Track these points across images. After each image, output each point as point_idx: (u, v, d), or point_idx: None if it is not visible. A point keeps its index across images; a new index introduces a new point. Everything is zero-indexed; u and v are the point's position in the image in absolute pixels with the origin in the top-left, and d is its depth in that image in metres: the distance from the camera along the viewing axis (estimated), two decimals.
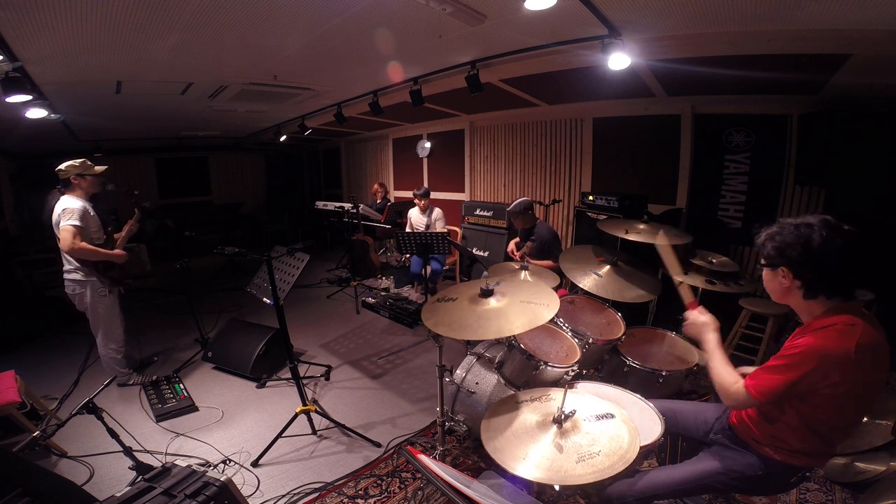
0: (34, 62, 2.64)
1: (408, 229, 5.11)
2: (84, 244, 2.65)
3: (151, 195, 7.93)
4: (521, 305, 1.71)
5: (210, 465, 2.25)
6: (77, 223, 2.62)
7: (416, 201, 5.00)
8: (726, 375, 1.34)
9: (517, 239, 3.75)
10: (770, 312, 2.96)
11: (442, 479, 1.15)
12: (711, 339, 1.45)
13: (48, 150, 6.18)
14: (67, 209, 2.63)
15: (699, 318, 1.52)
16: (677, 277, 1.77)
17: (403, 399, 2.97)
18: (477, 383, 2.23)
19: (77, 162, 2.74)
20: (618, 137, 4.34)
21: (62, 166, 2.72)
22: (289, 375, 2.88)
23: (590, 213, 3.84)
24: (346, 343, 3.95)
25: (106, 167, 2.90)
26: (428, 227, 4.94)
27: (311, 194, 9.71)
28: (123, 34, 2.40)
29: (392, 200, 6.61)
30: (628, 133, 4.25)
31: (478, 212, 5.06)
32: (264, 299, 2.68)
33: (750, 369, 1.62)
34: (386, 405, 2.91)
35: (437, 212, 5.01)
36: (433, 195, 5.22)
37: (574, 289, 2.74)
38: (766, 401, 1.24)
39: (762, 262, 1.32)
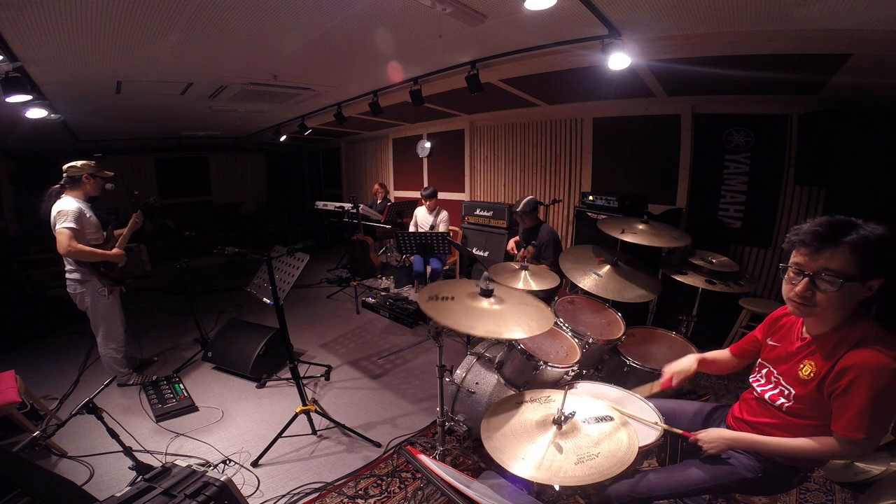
0: (34, 62, 2.64)
1: (412, 228, 5.11)
2: (80, 246, 2.64)
3: (151, 195, 7.90)
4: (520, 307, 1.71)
5: (210, 465, 2.25)
6: (72, 225, 2.60)
7: (423, 201, 5.00)
8: (804, 443, 1.22)
9: (517, 238, 3.76)
10: (767, 312, 2.96)
11: (442, 479, 1.15)
12: (746, 437, 1.34)
13: (48, 150, 6.19)
14: (62, 212, 2.61)
15: (712, 433, 1.39)
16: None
17: (403, 399, 2.97)
18: (477, 383, 2.23)
19: (90, 162, 2.76)
20: (618, 137, 4.34)
21: (76, 163, 2.72)
22: (289, 375, 2.88)
23: (590, 213, 3.84)
24: (346, 343, 3.95)
25: (112, 174, 2.94)
26: (433, 227, 4.94)
27: (311, 194, 9.71)
28: (123, 34, 2.41)
29: (392, 200, 6.62)
30: (628, 133, 4.25)
31: (478, 212, 5.06)
32: (264, 299, 2.68)
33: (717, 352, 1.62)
34: (386, 405, 2.91)
35: (443, 214, 5.02)
36: None
37: (574, 289, 2.74)
38: (874, 435, 1.10)
39: (850, 271, 1.09)
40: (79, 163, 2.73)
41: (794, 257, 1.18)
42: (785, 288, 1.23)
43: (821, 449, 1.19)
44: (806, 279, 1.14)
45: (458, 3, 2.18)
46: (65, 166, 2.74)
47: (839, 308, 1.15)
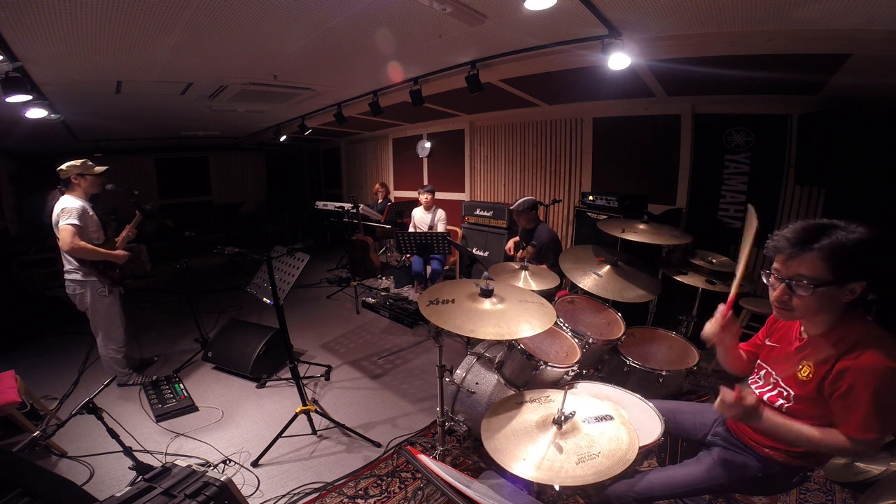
0: (34, 62, 2.64)
1: (411, 228, 5.12)
2: (83, 244, 2.65)
3: (151, 195, 7.92)
4: (521, 305, 1.71)
5: (210, 465, 2.25)
6: (76, 222, 2.62)
7: (420, 198, 5.01)
8: (818, 433, 1.16)
9: (516, 238, 3.76)
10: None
11: (442, 479, 1.15)
12: (766, 414, 1.21)
13: (48, 150, 6.18)
14: (66, 209, 2.63)
15: (746, 397, 1.17)
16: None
17: (403, 399, 2.97)
18: (477, 383, 2.23)
19: (78, 162, 2.75)
20: (618, 137, 4.34)
21: (63, 166, 2.73)
22: (289, 375, 2.88)
23: (590, 213, 3.84)
24: (346, 343, 3.94)
25: (106, 167, 2.91)
26: (431, 227, 4.95)
27: (311, 194, 9.71)
28: (123, 34, 2.40)
29: (392, 200, 6.62)
30: (628, 133, 4.25)
31: (478, 212, 5.06)
32: (264, 299, 2.68)
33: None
34: (386, 405, 2.91)
35: (440, 213, 5.03)
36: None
37: (574, 289, 2.74)
38: (885, 434, 1.10)
39: (822, 276, 1.08)
40: (65, 165, 2.73)
41: (775, 263, 1.21)
42: (769, 293, 1.25)
43: (831, 443, 1.17)
44: (783, 285, 1.17)
45: (458, 3, 2.18)
46: (57, 169, 2.74)
47: (819, 311, 1.17)
